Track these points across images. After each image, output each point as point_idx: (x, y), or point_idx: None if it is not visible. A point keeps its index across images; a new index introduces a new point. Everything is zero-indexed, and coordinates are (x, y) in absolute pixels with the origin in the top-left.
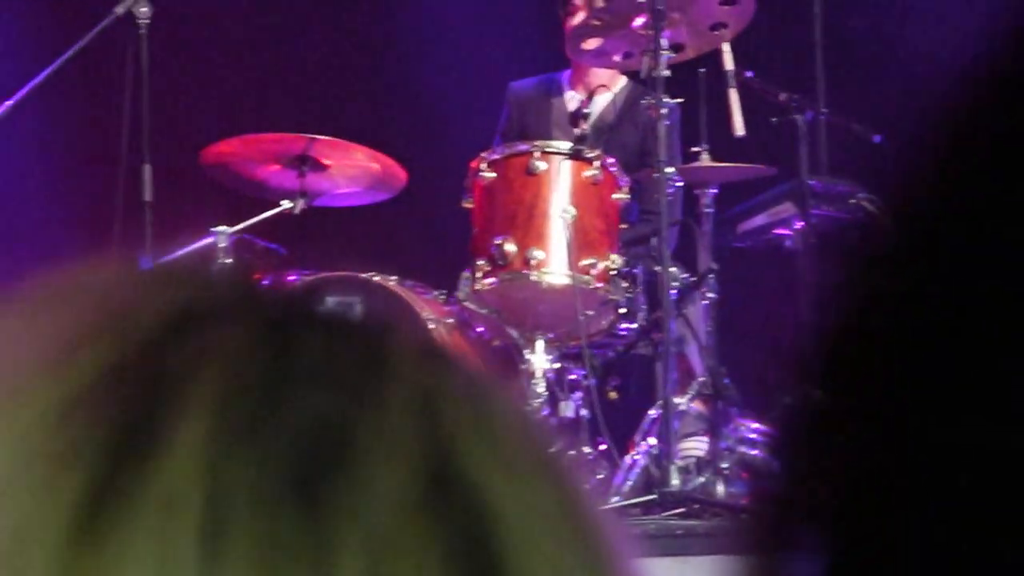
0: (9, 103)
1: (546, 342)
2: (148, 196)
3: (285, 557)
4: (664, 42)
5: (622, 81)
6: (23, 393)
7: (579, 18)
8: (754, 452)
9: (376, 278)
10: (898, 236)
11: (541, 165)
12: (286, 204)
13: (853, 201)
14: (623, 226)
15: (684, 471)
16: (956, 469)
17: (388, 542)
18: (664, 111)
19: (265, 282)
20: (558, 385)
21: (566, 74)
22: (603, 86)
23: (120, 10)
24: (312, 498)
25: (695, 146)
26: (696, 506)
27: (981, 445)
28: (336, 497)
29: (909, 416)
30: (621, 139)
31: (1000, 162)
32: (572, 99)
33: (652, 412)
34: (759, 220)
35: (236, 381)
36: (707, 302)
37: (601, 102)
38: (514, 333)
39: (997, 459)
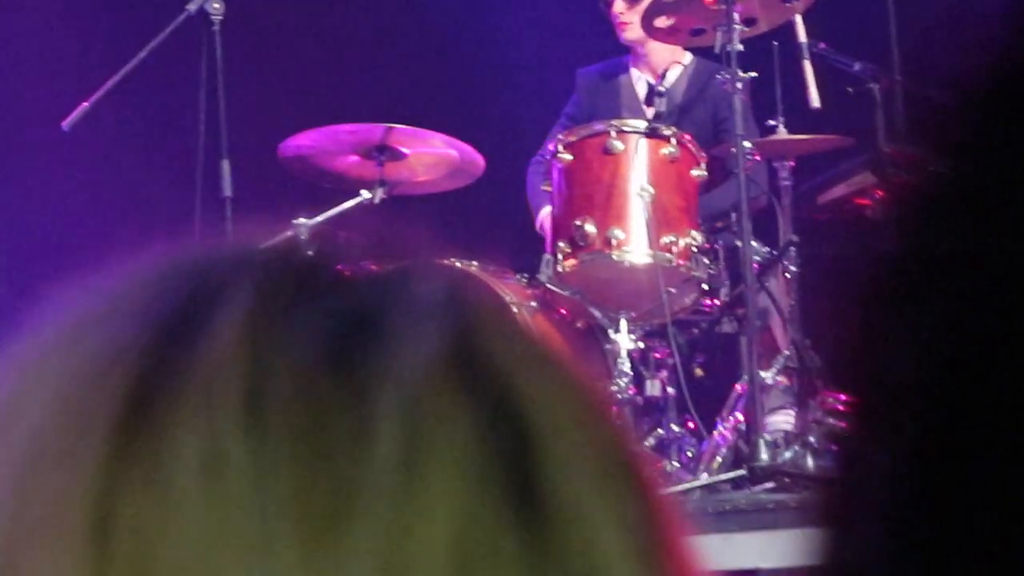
0: (86, 104)
1: (629, 321)
2: (227, 191)
3: (325, 419)
4: (736, 16)
5: (687, 57)
6: (74, 308)
7: (615, 5)
8: (842, 424)
9: (457, 264)
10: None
11: (618, 145)
12: (365, 194)
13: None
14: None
15: (773, 445)
16: None
17: (421, 405)
18: (739, 85)
19: (346, 271)
20: (643, 364)
21: (629, 57)
22: (677, 62)
23: (192, 8)
24: (347, 366)
25: (771, 119)
26: (786, 479)
27: None
28: (369, 365)
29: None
30: (693, 115)
31: None
32: (638, 79)
33: (738, 387)
34: (838, 191)
35: (271, 278)
36: (789, 275)
37: (670, 79)
38: (597, 313)
39: None
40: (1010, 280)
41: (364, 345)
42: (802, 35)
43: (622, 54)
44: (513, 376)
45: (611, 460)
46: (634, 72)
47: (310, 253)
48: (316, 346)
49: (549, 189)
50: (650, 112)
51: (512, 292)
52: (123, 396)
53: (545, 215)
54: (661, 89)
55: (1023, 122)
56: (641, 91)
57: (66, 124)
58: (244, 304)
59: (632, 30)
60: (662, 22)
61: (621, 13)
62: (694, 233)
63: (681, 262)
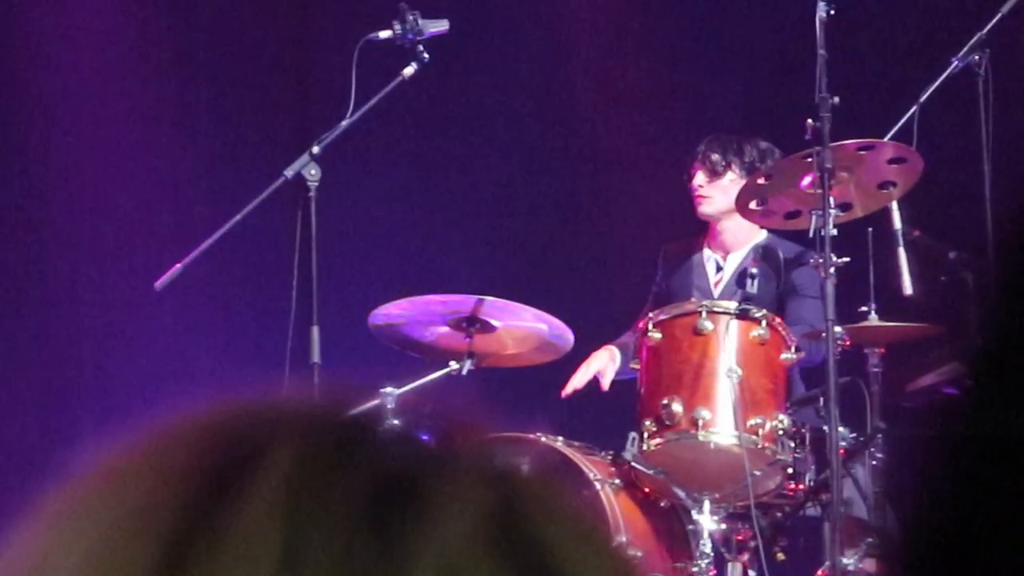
0: (179, 266)
1: (713, 502)
2: (316, 358)
3: None
4: (832, 201)
5: (762, 235)
6: (111, 461)
7: (696, 179)
8: None
9: (543, 439)
10: None
11: (708, 325)
12: (453, 365)
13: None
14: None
15: None
16: None
17: (458, 567)
18: (832, 270)
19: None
20: (725, 546)
21: (706, 238)
22: (751, 242)
23: (290, 173)
24: (385, 532)
25: (863, 305)
26: None
27: None
28: (408, 530)
29: None
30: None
31: None
32: (709, 259)
33: (820, 573)
34: (927, 380)
35: (312, 440)
36: (876, 461)
37: (739, 258)
38: (681, 493)
39: None
40: None
41: (402, 513)
42: (897, 222)
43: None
44: (550, 549)
45: None
46: (706, 251)
47: (353, 415)
48: (355, 511)
49: (638, 367)
50: (718, 291)
51: (596, 469)
52: (158, 555)
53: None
54: (753, 271)
55: None
56: (710, 272)
57: (159, 284)
58: (284, 467)
59: (709, 204)
60: (756, 204)
61: (700, 186)
62: (781, 416)
63: (767, 445)
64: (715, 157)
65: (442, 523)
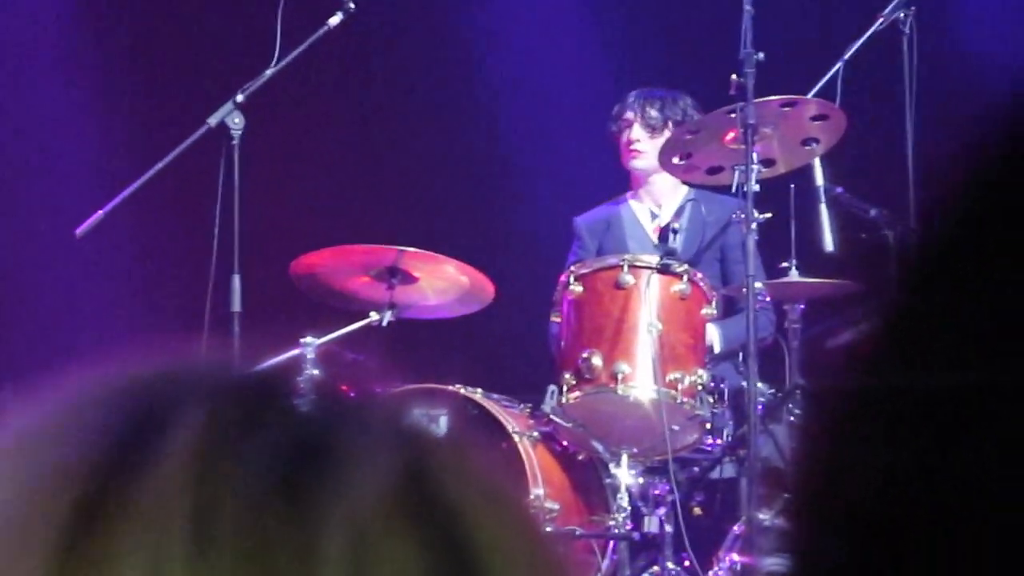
0: (101, 213)
1: (631, 456)
2: (236, 307)
3: (272, 546)
4: (755, 156)
5: (685, 189)
6: (23, 421)
7: (633, 132)
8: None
9: (461, 390)
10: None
11: (629, 279)
12: (374, 316)
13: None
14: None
15: None
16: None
17: (369, 538)
18: (754, 226)
19: (351, 394)
20: (642, 500)
21: (627, 193)
22: (676, 192)
23: (213, 121)
24: (296, 495)
25: (783, 261)
26: None
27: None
28: (319, 494)
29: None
30: (698, 249)
31: None
32: (640, 210)
33: (736, 528)
34: (847, 337)
35: (221, 408)
36: (794, 418)
37: (676, 213)
38: (599, 447)
39: None
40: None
41: (313, 476)
42: (819, 178)
43: (619, 193)
44: (461, 512)
45: None
46: (634, 204)
47: (261, 379)
48: (265, 476)
49: (558, 320)
50: (657, 237)
51: (515, 422)
52: (68, 516)
53: None
54: (676, 226)
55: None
56: (645, 221)
57: (79, 231)
58: (194, 431)
59: (644, 159)
60: (679, 158)
61: (637, 140)
62: (700, 371)
63: (686, 400)
64: (654, 114)
65: (353, 487)
